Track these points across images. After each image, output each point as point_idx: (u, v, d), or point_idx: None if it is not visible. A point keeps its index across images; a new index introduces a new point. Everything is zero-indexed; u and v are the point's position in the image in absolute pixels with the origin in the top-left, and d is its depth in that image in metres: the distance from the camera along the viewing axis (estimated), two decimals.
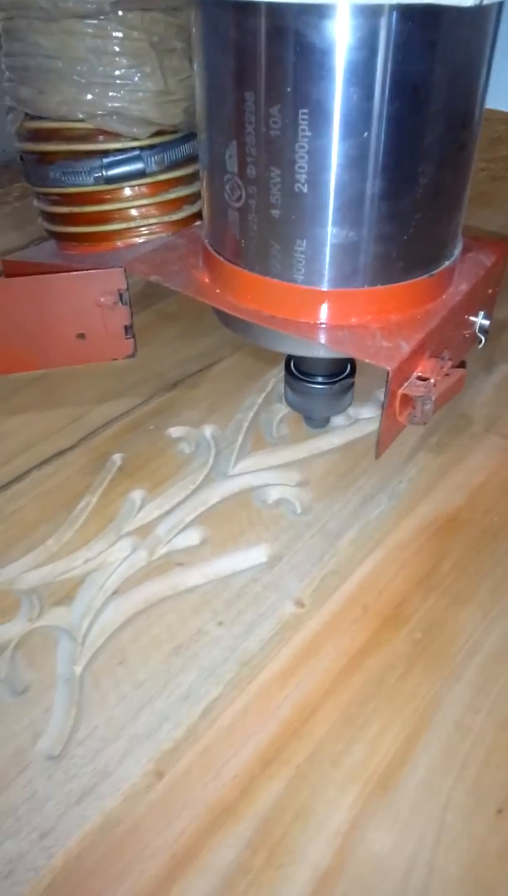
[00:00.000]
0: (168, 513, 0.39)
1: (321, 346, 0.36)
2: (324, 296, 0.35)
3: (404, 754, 0.28)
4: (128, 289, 0.43)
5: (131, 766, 0.28)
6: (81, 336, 0.44)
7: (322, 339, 0.35)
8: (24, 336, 0.43)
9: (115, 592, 0.34)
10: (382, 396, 0.47)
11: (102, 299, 0.43)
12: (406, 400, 0.36)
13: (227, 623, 0.33)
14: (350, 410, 0.46)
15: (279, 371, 0.50)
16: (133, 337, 0.44)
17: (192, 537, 0.38)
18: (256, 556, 0.37)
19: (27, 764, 0.28)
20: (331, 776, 0.28)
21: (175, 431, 0.45)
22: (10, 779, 0.27)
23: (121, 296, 0.43)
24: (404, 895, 0.25)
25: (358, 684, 0.31)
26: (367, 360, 0.34)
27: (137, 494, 0.40)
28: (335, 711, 0.30)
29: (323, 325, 0.36)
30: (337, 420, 0.46)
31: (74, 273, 0.42)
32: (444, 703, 0.30)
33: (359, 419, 0.46)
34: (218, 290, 0.38)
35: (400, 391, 0.35)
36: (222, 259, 0.38)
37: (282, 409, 0.47)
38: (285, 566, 0.36)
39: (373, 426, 0.45)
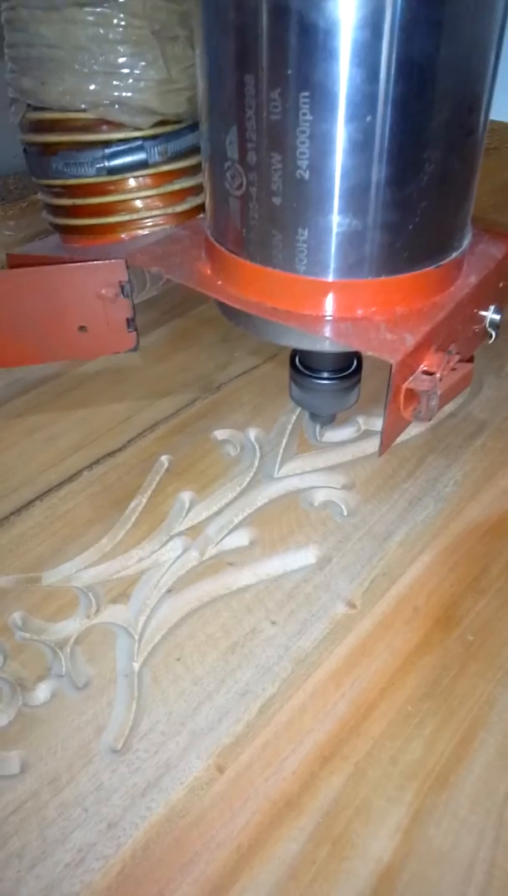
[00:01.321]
0: (217, 514, 0.40)
1: (323, 339, 0.35)
2: (327, 287, 0.34)
3: (460, 752, 0.29)
4: (130, 281, 0.42)
5: (193, 760, 0.28)
6: (83, 329, 0.43)
7: (325, 331, 0.34)
8: (26, 329, 0.43)
9: (169, 591, 0.35)
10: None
11: (104, 291, 0.42)
12: (411, 395, 0.34)
13: (280, 622, 0.34)
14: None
15: None
16: (136, 330, 0.44)
17: (241, 538, 0.38)
18: (305, 557, 0.37)
19: (92, 757, 0.29)
20: (390, 773, 0.28)
21: (220, 434, 0.46)
22: (77, 771, 0.28)
23: (123, 288, 0.42)
24: (466, 890, 0.25)
25: (413, 684, 0.31)
26: (370, 353, 0.33)
27: (185, 495, 0.41)
28: (392, 710, 0.30)
29: (326, 318, 0.35)
30: (379, 424, 0.46)
31: (75, 264, 0.42)
32: (498, 703, 0.30)
33: None
34: (220, 282, 0.37)
35: (405, 385, 0.34)
36: (223, 249, 0.37)
37: None
38: (335, 567, 0.37)
39: (416, 430, 0.46)
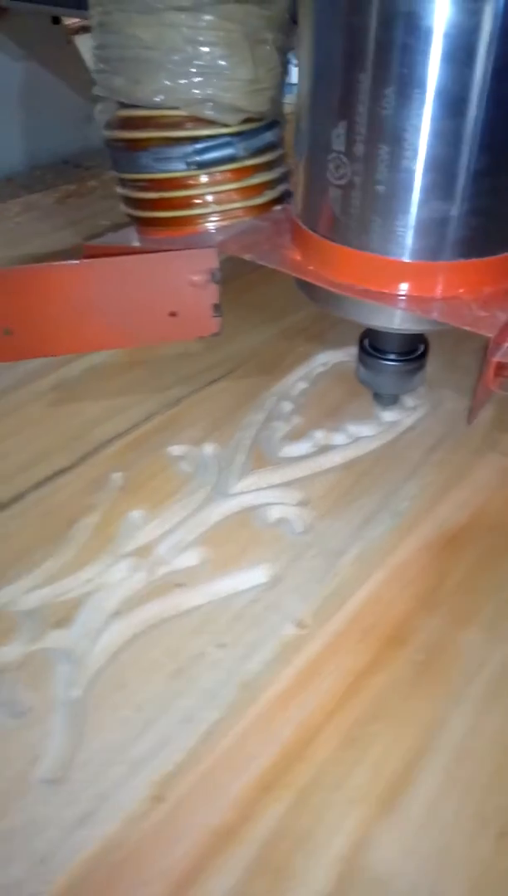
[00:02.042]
0: (168, 533, 0.39)
1: (416, 318, 0.37)
2: (421, 268, 0.37)
3: (406, 777, 0.28)
4: (219, 268, 0.44)
5: (132, 790, 0.28)
6: (173, 314, 0.46)
7: (418, 310, 0.37)
8: (118, 313, 0.45)
9: (115, 614, 0.34)
10: (385, 416, 0.47)
11: (196, 278, 0.44)
12: (501, 367, 0.37)
13: (228, 645, 0.33)
14: (351, 428, 0.46)
15: (280, 389, 0.50)
16: (221, 315, 0.46)
17: (192, 557, 0.38)
18: (256, 576, 0.37)
19: (27, 788, 0.28)
20: (333, 799, 0.28)
21: (176, 450, 0.45)
22: (10, 803, 0.27)
23: (213, 274, 0.44)
24: None
25: (360, 706, 0.31)
26: (467, 328, 0.36)
27: (137, 514, 0.40)
28: (338, 734, 0.30)
29: (419, 297, 0.38)
30: (337, 438, 0.46)
31: (171, 252, 0.44)
32: (446, 724, 0.30)
33: (360, 437, 0.46)
34: (312, 267, 0.41)
35: (495, 359, 0.36)
36: (317, 236, 0.40)
37: (283, 427, 0.47)
38: (286, 586, 0.36)
39: (374, 444, 0.45)
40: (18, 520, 0.39)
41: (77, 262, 0.45)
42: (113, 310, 0.45)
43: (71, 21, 0.89)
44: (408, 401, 0.49)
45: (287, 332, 0.56)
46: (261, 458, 0.44)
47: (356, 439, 0.46)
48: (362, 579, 0.36)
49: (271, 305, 0.58)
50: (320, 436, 0.46)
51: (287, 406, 0.48)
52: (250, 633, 0.34)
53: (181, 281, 0.45)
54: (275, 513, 0.41)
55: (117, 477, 0.42)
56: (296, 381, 0.51)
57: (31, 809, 0.27)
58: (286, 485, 0.42)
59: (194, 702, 0.31)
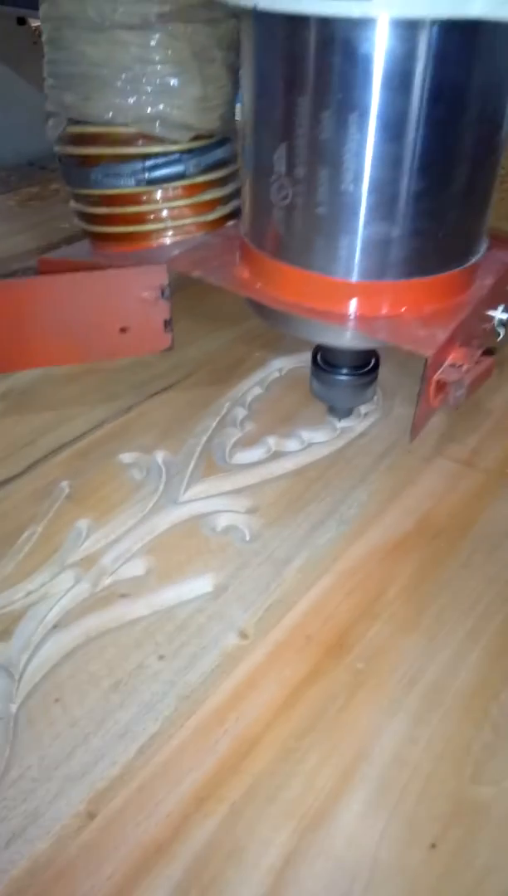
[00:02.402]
0: (115, 542, 0.39)
1: (359, 336, 0.38)
2: (363, 288, 0.37)
3: (340, 788, 0.28)
4: (169, 284, 0.45)
5: (63, 807, 0.27)
6: (124, 330, 0.46)
7: (362, 329, 0.38)
8: (69, 330, 0.45)
9: (55, 626, 0.34)
10: (337, 423, 0.47)
11: (145, 294, 0.45)
12: (440, 385, 0.38)
13: (168, 656, 0.33)
14: (304, 434, 0.46)
15: (234, 395, 0.50)
16: (172, 331, 0.47)
17: (137, 567, 0.37)
18: (201, 585, 0.36)
19: None
20: (266, 812, 0.28)
21: (127, 457, 0.45)
22: None
23: (163, 291, 0.45)
24: None
25: (298, 717, 0.31)
26: (406, 348, 0.36)
27: (83, 523, 0.40)
28: (274, 746, 0.30)
29: (362, 316, 0.38)
30: (290, 444, 0.46)
31: (120, 269, 0.45)
32: (383, 734, 0.30)
33: (312, 444, 0.46)
34: (259, 285, 0.41)
35: (435, 377, 0.37)
36: (263, 255, 0.40)
37: (235, 434, 0.47)
38: (231, 596, 0.36)
39: (327, 450, 0.46)
40: None
41: (25, 278, 0.45)
42: (63, 326, 0.45)
43: (37, 22, 0.89)
44: (361, 407, 0.49)
45: (242, 339, 0.56)
46: (212, 464, 0.44)
47: (309, 445, 0.46)
48: (306, 587, 0.36)
49: (226, 312, 0.58)
50: (272, 442, 0.46)
51: (241, 412, 0.48)
52: (192, 645, 0.33)
53: (131, 297, 0.45)
54: (224, 520, 0.41)
55: (65, 485, 0.42)
56: (250, 387, 0.51)
57: None
58: (237, 492, 0.42)
59: (130, 715, 0.30)
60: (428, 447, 0.45)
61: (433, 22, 0.30)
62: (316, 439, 0.46)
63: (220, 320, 0.58)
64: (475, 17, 0.29)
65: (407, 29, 0.31)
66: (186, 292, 0.56)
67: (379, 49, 0.31)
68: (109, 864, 0.26)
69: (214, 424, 0.47)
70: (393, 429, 0.47)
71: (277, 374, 0.53)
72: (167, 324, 0.46)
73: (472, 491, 0.42)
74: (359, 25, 0.31)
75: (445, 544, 0.39)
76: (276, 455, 0.45)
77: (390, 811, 0.28)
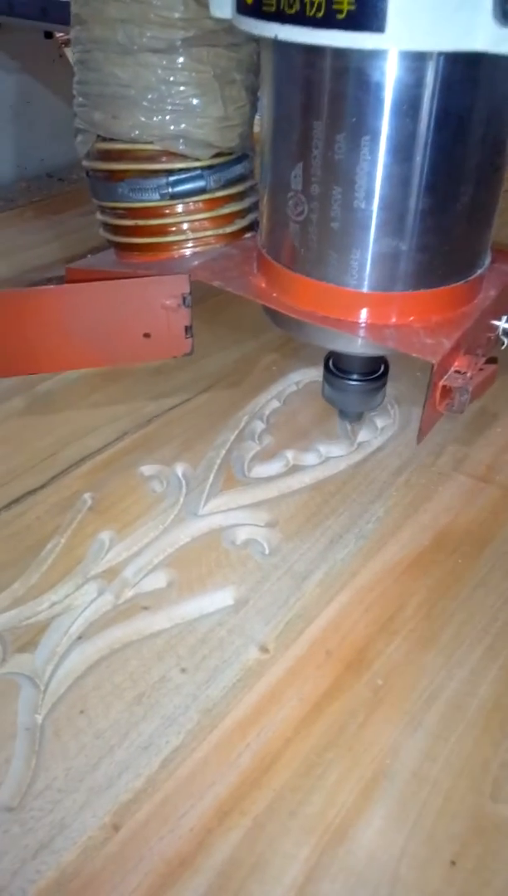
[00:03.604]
0: (136, 554, 0.39)
1: (370, 343, 0.40)
2: (374, 298, 0.40)
3: (361, 804, 0.29)
4: (191, 293, 0.47)
5: (89, 819, 0.28)
6: (147, 335, 0.48)
7: (372, 336, 0.40)
8: (96, 336, 0.47)
9: (79, 638, 0.34)
10: (354, 436, 0.48)
11: (168, 302, 0.47)
12: (446, 391, 0.39)
13: (190, 670, 0.33)
14: (321, 448, 0.47)
15: (252, 408, 0.51)
16: (192, 336, 0.48)
17: (159, 580, 0.38)
18: (222, 599, 0.37)
19: None
20: (288, 827, 0.28)
21: (147, 469, 0.45)
22: None
23: (184, 299, 0.47)
24: None
25: (319, 732, 0.31)
26: (413, 355, 0.38)
27: (105, 535, 0.40)
28: (295, 760, 0.30)
29: (372, 325, 0.40)
30: (308, 458, 0.46)
31: (145, 278, 0.47)
32: (402, 751, 0.30)
33: (330, 458, 0.46)
34: (275, 294, 0.43)
35: (441, 383, 0.39)
36: (279, 266, 0.42)
37: (254, 447, 0.47)
38: (251, 610, 0.36)
39: (344, 465, 0.46)
40: None
41: (55, 286, 0.48)
42: (90, 331, 0.47)
43: (63, 35, 0.90)
44: (378, 421, 0.49)
45: (259, 352, 0.56)
46: (232, 478, 0.45)
47: (326, 459, 0.46)
48: (326, 602, 0.37)
49: (245, 324, 0.59)
50: (290, 456, 0.46)
51: (259, 426, 0.49)
52: (214, 658, 0.34)
53: (155, 305, 0.47)
54: (243, 534, 0.41)
55: (87, 497, 0.43)
56: (268, 400, 0.51)
57: None
58: (256, 505, 0.43)
59: (154, 728, 0.31)
60: (445, 463, 0.46)
61: (440, 54, 0.32)
62: (334, 453, 0.47)
63: (237, 333, 0.58)
64: (478, 51, 0.31)
65: (415, 60, 0.33)
66: (205, 305, 0.57)
67: (389, 78, 0.33)
68: (134, 877, 0.26)
69: (232, 437, 0.48)
70: (410, 443, 0.47)
71: (294, 388, 0.53)
72: (188, 329, 0.48)
73: (489, 507, 0.43)
74: (371, 56, 0.33)
75: (462, 561, 0.39)
76: (294, 469, 0.46)
77: (410, 828, 0.28)
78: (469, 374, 0.39)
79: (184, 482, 0.44)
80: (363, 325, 0.40)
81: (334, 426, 0.49)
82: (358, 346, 0.42)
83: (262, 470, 0.45)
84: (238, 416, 0.50)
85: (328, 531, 0.41)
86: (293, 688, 0.33)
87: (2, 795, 0.29)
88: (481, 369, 0.41)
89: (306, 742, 0.31)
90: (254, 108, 0.49)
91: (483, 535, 0.41)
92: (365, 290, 0.39)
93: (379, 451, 0.47)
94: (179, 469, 0.45)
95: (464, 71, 0.33)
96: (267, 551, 0.40)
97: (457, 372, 0.40)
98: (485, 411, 0.50)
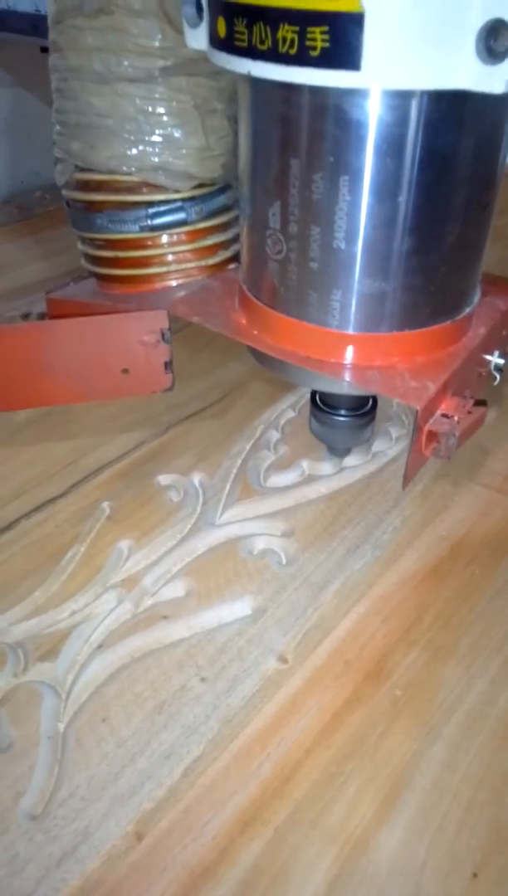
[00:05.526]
0: (155, 563, 0.39)
1: (353, 386, 0.39)
2: (356, 339, 0.38)
3: (382, 814, 0.29)
4: (170, 328, 0.46)
5: (112, 827, 0.28)
6: (126, 371, 0.47)
7: (355, 379, 0.38)
8: (72, 370, 0.47)
9: (100, 646, 0.35)
10: (370, 444, 0.48)
11: (146, 338, 0.46)
12: (432, 435, 0.38)
13: (210, 679, 0.34)
14: (337, 458, 0.47)
15: (267, 417, 0.51)
16: (172, 372, 0.48)
17: (178, 589, 0.38)
18: (240, 608, 0.37)
19: (9, 825, 0.28)
20: (310, 837, 0.28)
21: (164, 479, 0.46)
22: None
23: (163, 335, 0.46)
24: None
25: (339, 743, 0.31)
26: (397, 400, 0.37)
27: (124, 544, 0.40)
28: (316, 771, 0.30)
29: (355, 366, 0.39)
30: (323, 468, 0.47)
31: (122, 315, 0.46)
32: (422, 761, 0.31)
33: (345, 468, 0.47)
34: (256, 332, 0.42)
35: (426, 427, 0.37)
36: (260, 304, 0.41)
37: (269, 457, 0.47)
38: (270, 620, 0.37)
39: (359, 475, 0.46)
40: (8, 550, 0.40)
41: (31, 323, 0.48)
42: (67, 367, 0.47)
43: None
44: (392, 430, 0.49)
45: None
46: (248, 487, 0.45)
47: (342, 469, 0.47)
48: (343, 612, 0.37)
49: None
50: (306, 465, 0.47)
51: (274, 435, 0.49)
52: (233, 667, 0.34)
53: (132, 341, 0.46)
54: (260, 543, 0.41)
55: (106, 506, 0.43)
56: (283, 409, 0.51)
57: (14, 846, 0.28)
58: (272, 515, 0.43)
59: (175, 737, 0.31)
60: (460, 472, 0.46)
61: (422, 92, 0.31)
62: (349, 463, 0.47)
63: None
64: (461, 89, 0.29)
65: (395, 98, 0.31)
66: None
67: (368, 116, 0.32)
68: (158, 886, 0.27)
69: (248, 447, 0.48)
70: None
71: (308, 398, 0.53)
72: (168, 365, 0.48)
73: (505, 517, 0.43)
74: (348, 94, 0.31)
75: (479, 571, 0.39)
76: (310, 479, 0.46)
77: (431, 839, 0.28)
78: (456, 418, 0.38)
79: (201, 491, 0.45)
80: (345, 366, 0.39)
81: None
82: (341, 387, 0.41)
83: (278, 479, 0.46)
84: (254, 426, 0.50)
85: (345, 541, 0.41)
86: (313, 698, 0.33)
87: (25, 803, 0.29)
88: (469, 412, 0.39)
89: (327, 752, 0.31)
90: (236, 138, 0.48)
91: (500, 546, 0.41)
92: (347, 330, 0.38)
93: (394, 461, 0.47)
94: (196, 478, 0.46)
95: (448, 109, 0.32)
96: (284, 561, 0.40)
97: (444, 416, 0.38)
98: (501, 420, 0.50)
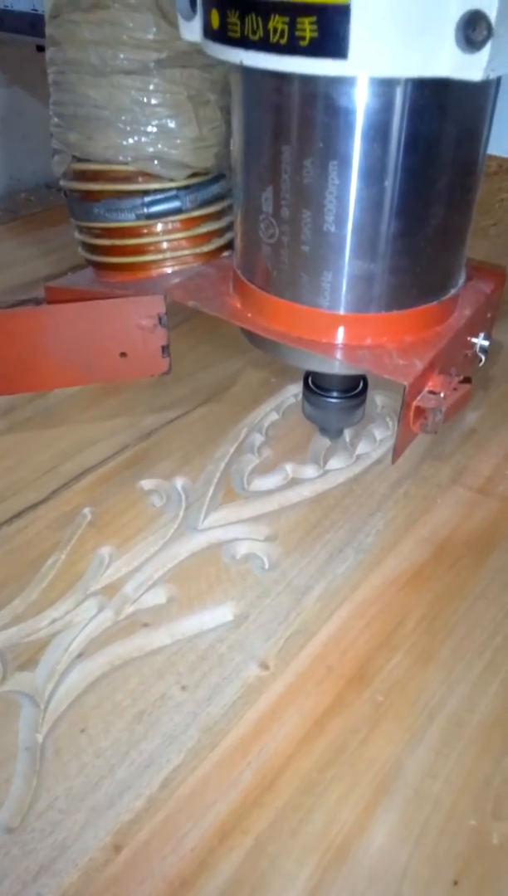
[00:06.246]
0: (136, 570, 0.39)
1: (343, 364, 0.40)
2: (347, 319, 0.40)
3: (362, 822, 0.29)
4: (166, 313, 0.47)
5: (90, 840, 0.28)
6: (124, 355, 0.48)
7: (346, 358, 0.40)
8: (72, 354, 0.48)
9: (79, 655, 0.34)
10: (354, 447, 0.48)
11: (144, 322, 0.47)
12: (419, 411, 0.39)
13: (190, 687, 0.33)
14: (320, 461, 0.47)
15: (251, 421, 0.51)
16: (169, 356, 0.49)
17: (159, 595, 0.38)
18: (222, 614, 0.37)
19: None
20: (290, 846, 0.28)
21: (147, 483, 0.45)
22: None
23: (160, 319, 0.47)
24: None
25: (320, 750, 0.31)
26: (385, 376, 0.38)
27: (105, 550, 0.40)
28: (297, 778, 0.30)
29: (346, 346, 0.40)
30: (307, 471, 0.46)
31: (120, 299, 0.47)
32: (404, 768, 0.30)
33: (329, 470, 0.46)
34: (250, 315, 0.43)
35: (414, 403, 0.39)
36: (253, 287, 0.42)
37: (253, 460, 0.47)
38: (251, 625, 0.36)
39: (343, 477, 0.46)
40: None
41: (32, 308, 0.48)
42: (67, 351, 0.48)
43: None
44: (376, 433, 0.49)
45: (259, 364, 0.56)
46: (231, 491, 0.45)
47: (325, 472, 0.46)
48: (326, 617, 0.37)
49: (242, 337, 0.59)
50: (289, 469, 0.46)
51: (258, 438, 0.49)
52: (214, 675, 0.34)
53: (130, 325, 0.47)
54: (243, 548, 0.41)
55: (87, 512, 0.43)
56: (267, 412, 0.51)
57: None
58: (255, 519, 0.43)
59: (154, 746, 0.31)
60: (443, 475, 0.46)
61: (407, 80, 0.32)
62: (333, 466, 0.47)
63: (235, 346, 0.58)
64: (442, 77, 0.31)
65: (381, 86, 0.33)
66: (202, 318, 0.57)
67: (356, 103, 0.33)
68: None
69: (232, 451, 0.48)
70: (409, 456, 0.47)
71: (293, 400, 0.53)
72: (165, 349, 0.49)
73: (488, 520, 0.43)
74: (336, 82, 0.33)
75: (462, 574, 0.39)
76: (293, 482, 0.46)
77: (412, 847, 0.28)
78: (442, 395, 0.39)
79: (183, 496, 0.44)
80: (336, 346, 0.40)
81: (335, 440, 0.49)
82: (333, 366, 0.42)
83: (261, 483, 0.45)
84: (237, 429, 0.50)
85: (328, 545, 0.41)
86: (294, 704, 0.33)
87: (2, 816, 0.28)
88: (455, 389, 0.40)
89: (308, 759, 0.31)
90: (229, 129, 0.49)
91: (483, 548, 0.41)
92: (338, 311, 0.39)
93: (378, 464, 0.47)
94: (179, 483, 0.45)
95: (431, 96, 0.33)
96: (267, 566, 0.40)
97: (431, 392, 0.39)
98: (484, 423, 0.50)
